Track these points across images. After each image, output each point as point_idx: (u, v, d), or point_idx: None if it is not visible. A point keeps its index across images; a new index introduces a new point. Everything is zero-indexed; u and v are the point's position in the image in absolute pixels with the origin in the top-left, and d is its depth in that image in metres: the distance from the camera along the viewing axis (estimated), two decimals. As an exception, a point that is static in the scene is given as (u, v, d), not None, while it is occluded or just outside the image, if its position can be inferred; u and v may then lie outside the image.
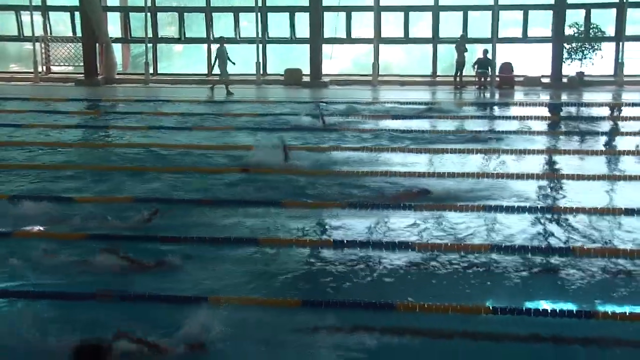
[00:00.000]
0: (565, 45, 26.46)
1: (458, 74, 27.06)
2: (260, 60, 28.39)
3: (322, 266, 9.22)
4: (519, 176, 13.29)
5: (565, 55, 26.51)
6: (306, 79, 27.71)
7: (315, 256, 9.58)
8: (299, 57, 28.97)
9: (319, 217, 11.19)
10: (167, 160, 15.19)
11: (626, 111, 20.85)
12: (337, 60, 27.85)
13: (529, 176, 13.35)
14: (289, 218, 11.05)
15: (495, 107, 22.90)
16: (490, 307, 7.73)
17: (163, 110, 21.78)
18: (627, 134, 17.68)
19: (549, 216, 11.16)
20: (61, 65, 30.44)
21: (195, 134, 17.99)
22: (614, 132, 18.15)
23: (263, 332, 7.17)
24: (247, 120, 19.98)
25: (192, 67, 30.19)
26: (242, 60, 27.34)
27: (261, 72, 28.33)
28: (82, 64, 28.92)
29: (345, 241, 9.88)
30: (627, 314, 7.54)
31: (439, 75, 28.52)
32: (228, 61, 25.68)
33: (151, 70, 29.10)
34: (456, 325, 7.40)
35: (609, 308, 7.74)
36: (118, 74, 29.32)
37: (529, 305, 7.92)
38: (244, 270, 8.97)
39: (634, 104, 21.76)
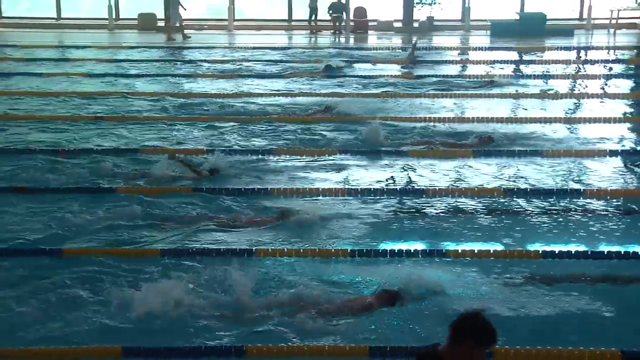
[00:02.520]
0: (415, -10, 27.24)
1: (312, 19, 27.33)
2: (112, 3, 27.55)
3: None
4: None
5: (417, 0, 27.28)
6: (161, 23, 27.16)
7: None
8: (154, 1, 28.30)
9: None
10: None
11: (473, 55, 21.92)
12: (192, 5, 27.34)
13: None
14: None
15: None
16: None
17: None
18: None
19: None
20: None
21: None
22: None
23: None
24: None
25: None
26: (95, 3, 26.49)
27: (114, 16, 27.52)
28: None
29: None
30: None
31: (294, 20, 28.67)
32: (179, 6, 24.97)
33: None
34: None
35: None
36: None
37: None
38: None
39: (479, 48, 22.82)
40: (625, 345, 6.08)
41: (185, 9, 25.25)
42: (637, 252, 8.06)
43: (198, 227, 8.78)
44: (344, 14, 26.84)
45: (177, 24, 25.06)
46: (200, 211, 9.25)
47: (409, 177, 10.79)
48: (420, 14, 27.36)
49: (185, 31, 25.11)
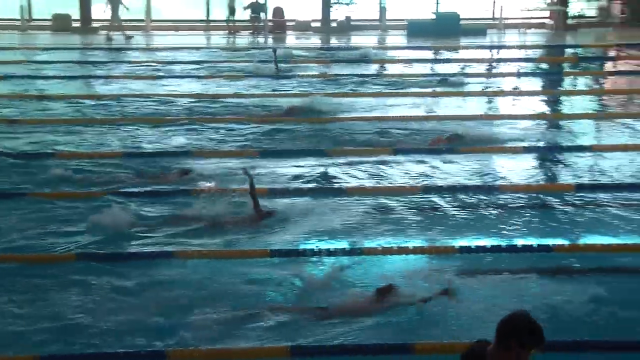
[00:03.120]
0: (333, -10, 27.52)
1: (231, 19, 27.29)
2: (25, 3, 26.90)
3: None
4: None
5: (334, 0, 27.54)
6: (76, 24, 26.68)
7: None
8: (68, 2, 27.75)
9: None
10: None
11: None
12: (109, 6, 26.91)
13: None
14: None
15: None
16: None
17: None
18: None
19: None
20: None
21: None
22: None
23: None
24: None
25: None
26: (4, 3, 25.82)
27: (27, 16, 26.88)
28: None
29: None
30: None
31: (212, 20, 28.55)
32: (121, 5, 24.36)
33: None
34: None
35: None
36: None
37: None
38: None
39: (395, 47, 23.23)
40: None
41: (127, 9, 24.95)
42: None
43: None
44: (262, 14, 26.88)
45: (116, 24, 24.82)
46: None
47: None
48: (337, 14, 27.64)
49: (127, 32, 24.92)
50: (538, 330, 4.18)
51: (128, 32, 24.88)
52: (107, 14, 25.14)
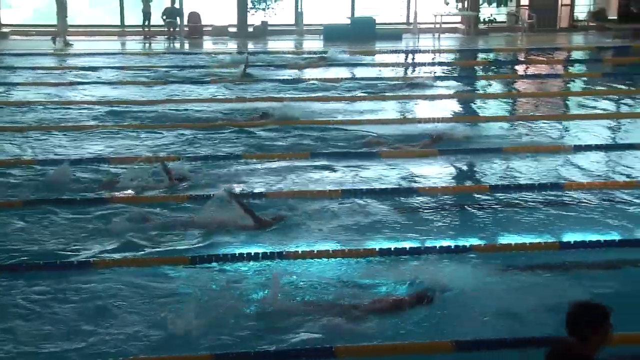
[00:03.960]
0: (249, -5, 27.52)
1: (146, 24, 26.99)
2: None
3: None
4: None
5: (250, 5, 27.56)
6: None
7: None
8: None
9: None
10: None
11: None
12: (19, 10, 26.31)
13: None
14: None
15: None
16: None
17: None
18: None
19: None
20: None
21: None
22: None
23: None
24: None
25: None
26: None
27: None
28: None
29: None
30: None
31: (127, 26, 28.16)
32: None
33: None
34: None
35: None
36: None
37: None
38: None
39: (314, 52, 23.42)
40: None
41: (66, 16, 24.49)
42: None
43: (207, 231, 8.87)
44: (178, 19, 26.68)
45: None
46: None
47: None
48: (254, 18, 27.67)
49: (67, 38, 24.52)
50: (598, 306, 4.52)
51: (62, 39, 24.43)
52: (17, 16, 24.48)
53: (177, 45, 25.84)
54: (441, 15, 27.37)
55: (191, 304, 6.88)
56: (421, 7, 27.64)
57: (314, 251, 8.35)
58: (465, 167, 11.89)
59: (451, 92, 17.61)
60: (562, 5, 27.98)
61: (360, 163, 11.74)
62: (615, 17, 27.00)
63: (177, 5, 26.55)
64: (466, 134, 13.31)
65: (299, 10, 27.61)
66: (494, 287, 7.43)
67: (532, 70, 21.24)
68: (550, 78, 19.65)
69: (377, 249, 8.42)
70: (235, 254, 8.28)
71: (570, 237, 8.85)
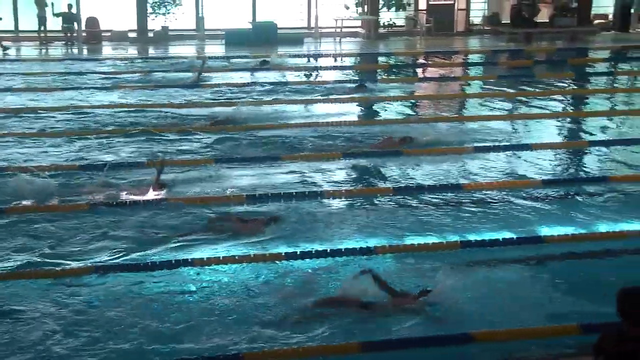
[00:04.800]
0: (148, 0, 27.15)
1: (42, 29, 26.27)
2: None
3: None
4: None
5: (150, 10, 27.22)
6: None
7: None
8: None
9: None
10: None
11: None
12: None
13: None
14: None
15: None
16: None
17: None
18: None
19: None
20: None
21: None
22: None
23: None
24: None
25: None
26: None
27: None
28: None
29: None
30: None
31: (22, 31, 27.32)
32: None
33: None
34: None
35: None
36: None
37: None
38: None
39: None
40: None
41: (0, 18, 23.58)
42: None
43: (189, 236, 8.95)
44: (75, 24, 26.09)
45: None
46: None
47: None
48: (154, 23, 27.34)
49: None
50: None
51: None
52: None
53: (75, 50, 25.31)
54: (342, 20, 27.73)
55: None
56: (322, 12, 27.92)
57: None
58: (368, 169, 12.08)
59: (352, 95, 17.82)
60: (458, 9, 28.79)
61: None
62: (508, 22, 27.92)
63: (73, 10, 25.95)
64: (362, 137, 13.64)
65: (200, 15, 27.44)
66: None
67: (431, 72, 21.77)
68: (448, 80, 20.18)
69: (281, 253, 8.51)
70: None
71: (472, 236, 9.12)
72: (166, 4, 27.43)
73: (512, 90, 18.30)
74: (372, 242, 8.84)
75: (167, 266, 8.08)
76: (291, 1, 29.11)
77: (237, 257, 8.32)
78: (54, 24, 26.44)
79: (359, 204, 10.40)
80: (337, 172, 11.79)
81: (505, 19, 28.34)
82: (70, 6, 25.95)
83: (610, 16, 29.78)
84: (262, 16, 28.23)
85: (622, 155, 12.74)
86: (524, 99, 17.44)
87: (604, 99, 17.82)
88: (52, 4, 25.70)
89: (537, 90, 18.45)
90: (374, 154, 12.58)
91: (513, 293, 7.57)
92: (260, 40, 25.76)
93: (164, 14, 27.38)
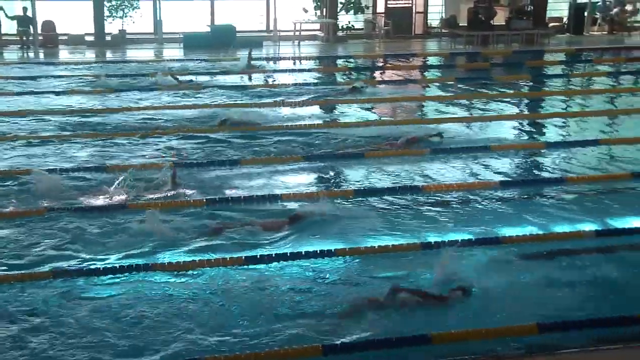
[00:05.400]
0: (105, 3, 26.89)
1: (-4, 33, 25.94)
2: None
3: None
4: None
5: (107, 13, 26.98)
6: None
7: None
8: None
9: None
10: None
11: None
12: None
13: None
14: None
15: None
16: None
17: None
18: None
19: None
20: None
21: None
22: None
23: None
24: None
25: None
26: None
27: None
28: None
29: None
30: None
31: (-25, 35, 26.92)
32: None
33: None
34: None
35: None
36: None
37: None
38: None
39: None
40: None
41: None
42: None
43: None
44: (31, 27, 25.75)
45: None
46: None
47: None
48: (112, 27, 27.11)
49: None
50: None
51: None
52: None
53: (32, 54, 25.01)
54: (300, 23, 27.78)
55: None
56: (281, 15, 27.94)
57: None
58: (329, 173, 12.13)
59: (310, 97, 17.88)
60: (416, 12, 29.03)
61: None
62: (466, 24, 28.22)
63: (29, 14, 25.62)
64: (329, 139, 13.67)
65: (158, 18, 27.29)
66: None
67: (390, 75, 21.91)
68: (407, 83, 20.31)
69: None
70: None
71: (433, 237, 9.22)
72: (123, 7, 27.22)
73: (470, 92, 18.51)
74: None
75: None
76: (250, 5, 29.11)
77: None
78: (9, 27, 26.10)
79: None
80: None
81: (463, 22, 28.62)
82: (25, 9, 25.63)
83: (565, 19, 30.27)
84: (221, 19, 28.17)
85: (578, 156, 12.95)
86: (481, 100, 17.65)
87: (560, 101, 18.11)
88: (2, 7, 25.24)
89: (495, 92, 18.68)
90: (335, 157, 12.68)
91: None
92: (218, 43, 25.71)
93: (121, 18, 27.16)
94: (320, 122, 15.32)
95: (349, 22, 29.27)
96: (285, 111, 16.25)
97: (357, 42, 28.05)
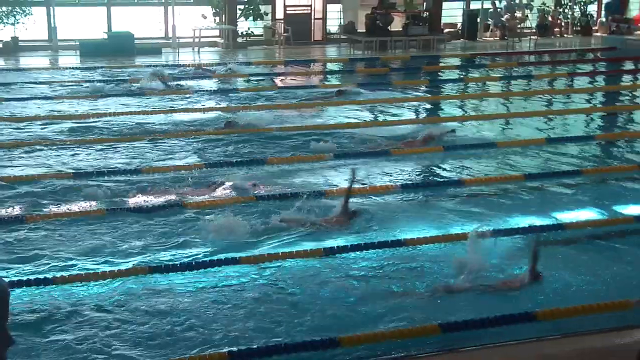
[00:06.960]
0: (-5, 9, 26.06)
1: None
2: None
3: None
4: None
5: (-3, 20, 26.14)
6: None
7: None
8: None
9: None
10: None
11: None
12: None
13: None
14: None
15: None
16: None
17: None
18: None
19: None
20: None
21: None
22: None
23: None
24: None
25: None
26: None
27: None
28: None
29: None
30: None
31: None
32: None
33: None
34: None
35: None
36: None
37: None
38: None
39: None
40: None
41: None
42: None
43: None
44: None
45: None
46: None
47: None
48: (3, 34, 26.25)
49: None
50: None
51: None
52: None
53: None
54: (200, 30, 27.59)
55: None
56: (180, 22, 27.68)
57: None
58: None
59: (210, 106, 17.82)
60: (315, 19, 29.29)
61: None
62: (364, 30, 28.65)
63: None
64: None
65: (52, 25, 26.57)
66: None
67: (290, 82, 22.01)
68: (306, 89, 20.41)
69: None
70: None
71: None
72: (15, 13, 26.38)
73: (370, 97, 18.80)
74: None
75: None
76: (148, 11, 28.72)
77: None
78: None
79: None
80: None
81: (361, 28, 29.06)
82: None
83: (459, 25, 31.15)
84: (118, 27, 27.66)
85: (474, 159, 13.35)
86: (381, 105, 17.95)
87: (456, 106, 18.60)
88: None
89: (394, 97, 19.03)
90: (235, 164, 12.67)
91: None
92: (117, 51, 25.25)
93: (12, 24, 26.32)
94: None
95: (249, 28, 29.22)
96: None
97: (258, 48, 28.08)
